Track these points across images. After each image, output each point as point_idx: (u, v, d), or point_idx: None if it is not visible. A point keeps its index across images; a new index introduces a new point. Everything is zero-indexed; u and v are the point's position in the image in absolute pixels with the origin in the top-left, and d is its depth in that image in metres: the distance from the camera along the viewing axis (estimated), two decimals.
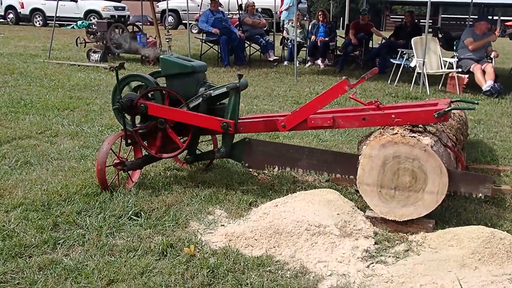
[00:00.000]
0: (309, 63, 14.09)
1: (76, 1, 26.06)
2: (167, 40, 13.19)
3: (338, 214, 3.38)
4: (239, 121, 4.02)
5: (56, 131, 6.18)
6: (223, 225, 3.55)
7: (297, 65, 11.89)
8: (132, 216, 3.64)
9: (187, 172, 4.73)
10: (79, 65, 12.62)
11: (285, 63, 14.11)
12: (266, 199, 4.00)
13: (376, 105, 3.80)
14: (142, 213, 3.69)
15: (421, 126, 3.61)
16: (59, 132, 6.14)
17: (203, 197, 4.03)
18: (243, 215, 3.71)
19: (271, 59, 14.21)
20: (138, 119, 4.29)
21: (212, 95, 3.99)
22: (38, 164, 4.82)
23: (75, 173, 4.54)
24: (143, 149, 4.37)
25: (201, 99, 3.99)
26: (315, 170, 3.91)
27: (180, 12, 25.91)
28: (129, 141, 4.23)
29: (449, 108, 3.51)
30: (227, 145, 4.07)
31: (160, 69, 4.26)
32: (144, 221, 3.56)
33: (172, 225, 3.52)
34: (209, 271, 2.90)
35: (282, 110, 7.79)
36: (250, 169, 4.55)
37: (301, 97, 9.12)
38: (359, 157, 3.53)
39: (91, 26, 14.47)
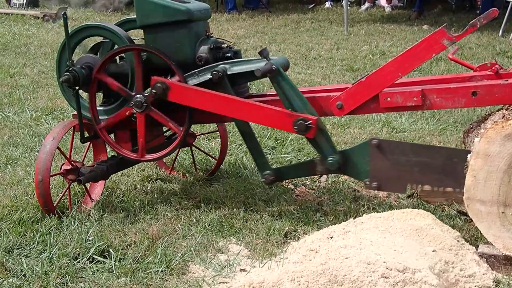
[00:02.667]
0: (367, 4, 14.06)
1: None
2: None
3: (434, 251, 3.33)
4: (260, 98, 4.02)
5: None
6: (244, 270, 3.52)
7: (348, 7, 11.83)
8: (95, 257, 3.62)
9: (179, 183, 4.72)
10: None
11: (328, 4, 14.10)
12: (312, 227, 3.97)
13: (494, 70, 3.75)
14: (111, 250, 3.67)
15: None
16: None
17: (209, 225, 4.02)
18: (275, 253, 3.68)
19: None
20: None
21: (228, 72, 3.94)
22: None
23: None
24: (109, 147, 4.36)
25: (209, 75, 3.94)
26: None
27: None
28: (86, 134, 4.22)
29: None
30: (332, 150, 3.92)
31: (133, 17, 4.25)
32: (115, 264, 3.54)
33: (162, 271, 3.49)
34: None
35: (327, 81, 7.77)
36: (378, 191, 4.38)
37: (357, 59, 9.11)
38: (468, 156, 3.49)
39: None
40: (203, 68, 3.99)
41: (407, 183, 3.85)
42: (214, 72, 3.89)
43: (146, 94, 3.98)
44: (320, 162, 3.96)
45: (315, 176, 3.97)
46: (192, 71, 4.00)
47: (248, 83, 4.28)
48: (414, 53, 3.67)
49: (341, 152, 3.91)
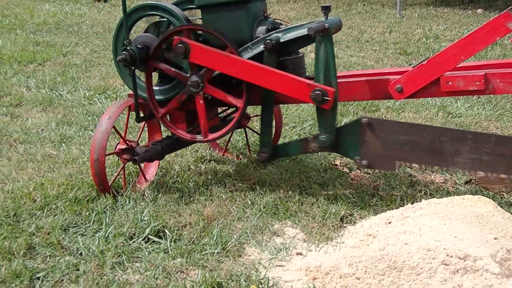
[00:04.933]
0: None
1: None
2: None
3: (496, 238, 3.28)
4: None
5: (18, 97, 6.28)
6: (301, 254, 3.50)
7: None
8: (150, 237, 3.63)
9: (233, 165, 4.71)
10: None
11: None
12: (368, 211, 3.95)
13: None
14: (166, 231, 3.68)
15: None
16: (23, 99, 6.24)
17: (264, 207, 4.01)
18: (332, 237, 3.66)
19: None
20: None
21: (281, 40, 3.92)
22: None
23: (54, 165, 4.59)
24: (164, 127, 4.36)
25: (262, 46, 3.93)
26: (486, 170, 3.79)
27: None
28: (141, 114, 4.23)
29: None
30: (329, 129, 3.95)
31: None
32: (171, 245, 3.55)
33: (217, 252, 3.49)
34: None
35: (380, 65, 7.70)
36: (368, 169, 4.47)
37: (410, 43, 9.03)
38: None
39: None
40: (256, 40, 4.00)
41: (396, 161, 3.89)
42: (267, 41, 3.89)
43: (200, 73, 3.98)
44: (312, 139, 4.02)
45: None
46: (246, 45, 4.01)
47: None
48: (477, 36, 3.60)
49: (336, 129, 3.96)
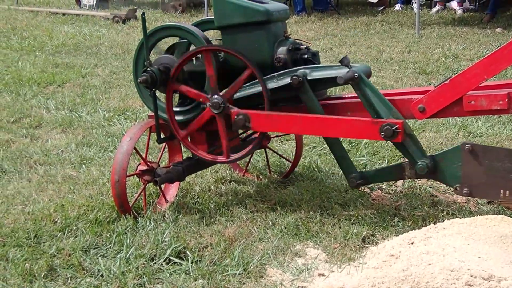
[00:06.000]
0: (438, 7, 13.90)
1: None
2: None
3: None
4: (338, 101, 4.00)
5: (38, 118, 6.31)
6: (323, 275, 3.50)
7: (419, 10, 11.71)
8: (171, 258, 3.64)
9: (253, 185, 4.71)
10: (64, 14, 12.93)
11: (398, 7, 13.98)
12: (390, 232, 3.93)
13: None
14: (187, 252, 3.68)
15: None
16: (43, 121, 6.28)
17: (285, 228, 4.00)
18: (354, 258, 3.65)
19: (374, 0, 14.08)
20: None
21: (308, 77, 3.90)
22: (15, 172, 4.91)
23: (74, 186, 4.61)
24: (185, 148, 4.36)
25: (289, 79, 3.91)
26: None
27: None
28: (162, 135, 4.24)
29: None
30: (420, 153, 3.84)
31: (210, 18, 4.27)
32: (192, 266, 3.55)
33: (239, 273, 3.48)
34: None
35: (400, 84, 7.69)
36: (469, 197, 4.23)
37: (429, 62, 9.01)
38: None
39: None
40: (282, 72, 3.95)
41: (501, 189, 3.72)
42: (294, 77, 3.85)
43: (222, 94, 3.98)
44: (409, 166, 3.89)
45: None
46: (271, 75, 3.97)
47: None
48: (501, 55, 3.58)
49: (431, 156, 3.83)
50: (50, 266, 3.53)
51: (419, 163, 3.78)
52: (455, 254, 3.24)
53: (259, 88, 3.96)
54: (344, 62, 3.80)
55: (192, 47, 4.23)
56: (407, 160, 3.89)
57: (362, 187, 4.41)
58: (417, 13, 11.47)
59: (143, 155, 4.20)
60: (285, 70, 3.94)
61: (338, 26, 11.97)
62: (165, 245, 3.73)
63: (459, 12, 13.57)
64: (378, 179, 4.26)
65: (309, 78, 3.88)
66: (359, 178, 4.03)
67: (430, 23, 12.44)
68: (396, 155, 5.18)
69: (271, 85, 3.95)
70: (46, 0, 14.58)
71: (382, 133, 3.71)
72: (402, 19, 12.60)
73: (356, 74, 3.73)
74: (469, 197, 4.27)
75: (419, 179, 4.52)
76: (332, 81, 3.85)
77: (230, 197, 4.47)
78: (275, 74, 3.95)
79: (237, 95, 4.04)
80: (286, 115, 3.93)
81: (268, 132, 4.51)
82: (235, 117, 3.97)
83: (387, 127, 3.69)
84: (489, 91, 3.70)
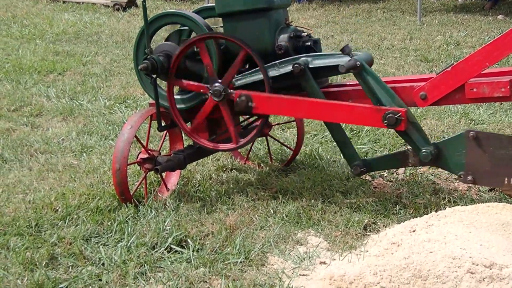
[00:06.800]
0: None
1: None
2: None
3: None
4: (340, 88, 4.00)
5: (38, 107, 6.31)
6: (324, 263, 3.49)
7: None
8: (173, 246, 3.63)
9: (255, 173, 4.71)
10: (64, 2, 12.90)
11: None
12: (391, 220, 3.93)
13: None
14: (189, 240, 3.68)
15: None
16: (44, 109, 6.27)
17: (286, 216, 4.00)
18: (355, 246, 3.65)
19: None
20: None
21: (310, 65, 3.89)
22: (16, 160, 4.91)
23: (75, 175, 4.60)
24: (186, 136, 4.36)
25: (290, 67, 3.89)
26: None
27: None
28: (163, 123, 4.23)
29: None
30: (424, 141, 3.83)
31: (211, 5, 4.25)
32: (193, 254, 3.54)
33: (240, 262, 3.48)
34: None
35: (401, 72, 7.67)
36: (472, 184, 4.19)
37: (431, 50, 8.99)
38: None
39: None
40: (284, 60, 3.94)
41: (505, 177, 3.72)
42: (296, 65, 3.84)
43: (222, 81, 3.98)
44: (412, 153, 3.89)
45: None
46: (273, 62, 3.95)
47: None
48: (502, 42, 3.57)
49: (435, 144, 3.82)
50: (51, 255, 3.52)
51: (423, 150, 3.77)
52: (457, 242, 3.23)
53: (260, 76, 3.94)
54: (345, 51, 3.78)
55: (194, 35, 4.21)
56: (410, 147, 3.87)
57: (364, 175, 4.40)
58: (418, 0, 11.44)
59: (144, 143, 4.19)
60: (287, 58, 3.93)
61: (339, 14, 11.96)
62: (166, 233, 3.73)
63: None
64: (382, 166, 4.25)
65: (310, 66, 3.86)
66: (362, 166, 4.01)
67: (432, 10, 12.42)
68: (398, 143, 5.17)
69: (273, 73, 3.94)
70: None
71: (385, 121, 3.71)
72: (403, 6, 12.60)
73: (358, 63, 3.71)
74: (471, 185, 4.26)
75: (420, 167, 4.52)
76: (334, 69, 3.83)
77: (231, 185, 4.47)
78: (277, 62, 3.93)
79: (239, 82, 4.02)
80: (289, 97, 3.92)
81: (269, 120, 4.50)
82: (237, 98, 3.96)
83: (390, 115, 3.69)
84: (491, 78, 3.68)
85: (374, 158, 4.42)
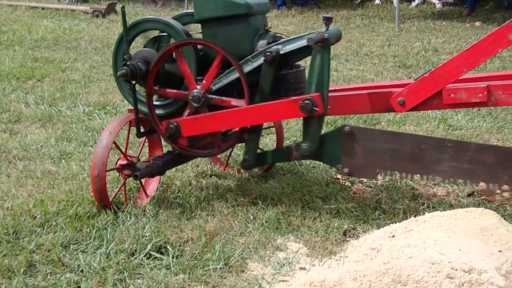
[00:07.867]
0: (418, 1, 14.02)
1: None
2: None
3: (500, 251, 3.24)
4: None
5: (17, 113, 6.27)
6: (304, 268, 3.49)
7: (398, 4, 11.74)
8: (152, 253, 3.61)
9: (234, 180, 4.70)
10: (43, 8, 12.85)
11: (377, 1, 14.02)
12: (371, 225, 3.93)
13: None
14: (168, 247, 3.66)
15: None
16: (22, 115, 6.24)
17: (266, 222, 3.99)
18: (335, 252, 3.64)
19: None
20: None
21: (281, 52, 3.91)
22: None
23: (54, 181, 4.57)
24: (165, 142, 4.34)
25: (262, 58, 3.91)
26: (466, 178, 3.79)
27: None
28: (142, 129, 4.21)
29: None
30: (313, 138, 3.94)
31: (190, 11, 4.24)
32: (173, 261, 3.53)
33: (220, 268, 3.47)
34: None
35: (380, 78, 7.70)
36: (349, 177, 4.48)
37: (409, 56, 9.04)
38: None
39: None
40: (256, 53, 3.97)
41: (377, 169, 3.91)
42: (267, 53, 3.86)
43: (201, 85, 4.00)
44: (295, 148, 4.02)
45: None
46: (245, 58, 3.98)
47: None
48: (479, 48, 3.59)
49: (319, 138, 3.95)
50: (30, 262, 3.49)
51: (303, 145, 3.92)
52: (436, 247, 3.24)
53: (237, 75, 3.95)
54: (326, 22, 3.85)
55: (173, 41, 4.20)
56: (294, 143, 4.11)
57: (342, 179, 4.41)
58: (397, 7, 11.51)
59: (123, 150, 4.17)
60: (258, 51, 3.97)
61: (318, 20, 11.97)
62: (145, 240, 3.71)
63: (438, 6, 13.65)
64: (270, 160, 4.33)
65: (281, 52, 3.89)
66: (253, 160, 4.14)
67: (410, 17, 12.48)
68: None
69: (247, 68, 3.97)
70: None
71: (303, 108, 3.79)
72: (382, 13, 12.64)
73: (325, 35, 3.75)
74: (450, 190, 4.30)
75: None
76: (306, 50, 3.88)
77: (211, 191, 4.45)
78: (249, 56, 3.97)
79: (217, 86, 4.01)
80: (209, 115, 3.98)
81: None
82: (167, 125, 4.05)
83: (308, 101, 3.77)
84: (468, 84, 3.71)
85: (264, 151, 4.51)
